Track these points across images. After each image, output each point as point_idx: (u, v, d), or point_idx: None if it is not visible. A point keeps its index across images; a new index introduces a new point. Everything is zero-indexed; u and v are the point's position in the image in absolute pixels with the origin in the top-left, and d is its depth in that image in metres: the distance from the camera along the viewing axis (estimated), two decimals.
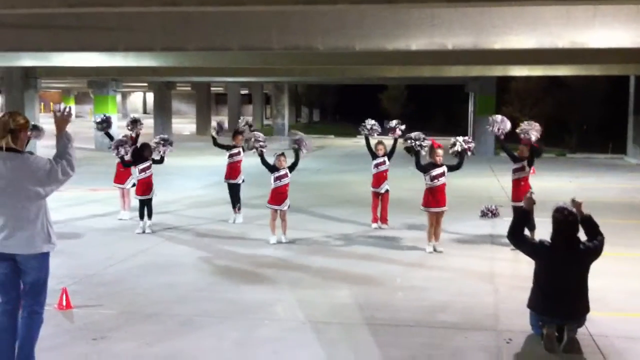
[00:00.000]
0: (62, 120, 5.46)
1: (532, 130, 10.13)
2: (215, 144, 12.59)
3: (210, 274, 8.89)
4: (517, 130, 10.26)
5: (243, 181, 12.60)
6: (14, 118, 5.23)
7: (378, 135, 12.11)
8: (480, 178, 19.58)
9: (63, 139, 5.37)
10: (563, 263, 6.01)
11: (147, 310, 7.30)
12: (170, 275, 8.75)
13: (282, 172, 10.57)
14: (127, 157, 11.85)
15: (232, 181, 12.52)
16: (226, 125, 12.95)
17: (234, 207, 12.48)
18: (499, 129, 10.36)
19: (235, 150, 12.46)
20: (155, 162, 11.58)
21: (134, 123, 12.79)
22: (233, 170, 12.53)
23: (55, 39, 13.17)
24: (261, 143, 10.57)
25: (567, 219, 6.01)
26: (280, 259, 9.67)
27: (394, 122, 11.87)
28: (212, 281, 8.51)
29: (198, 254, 9.97)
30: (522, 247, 6.40)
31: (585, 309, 6.09)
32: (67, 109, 5.51)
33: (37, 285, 5.33)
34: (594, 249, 6.11)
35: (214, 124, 12.95)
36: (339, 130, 45.87)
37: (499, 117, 10.59)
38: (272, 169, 10.60)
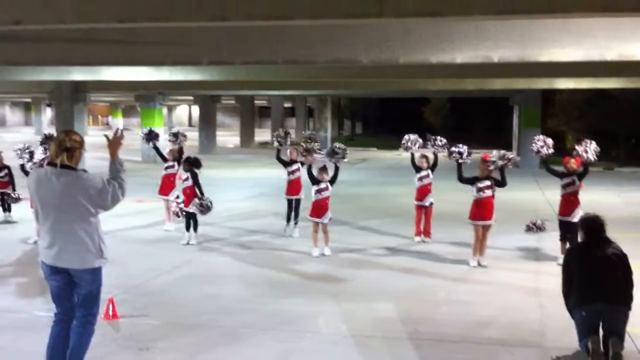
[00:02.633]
0: (114, 144, 5.56)
1: (587, 151, 10.00)
2: (278, 157, 12.45)
3: (253, 285, 8.94)
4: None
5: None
6: (70, 137, 5.35)
7: (420, 148, 12.04)
8: (525, 191, 19.32)
9: (116, 164, 5.47)
10: (594, 255, 6.15)
11: (191, 321, 7.38)
12: (214, 287, 8.83)
13: (322, 185, 10.60)
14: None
15: (294, 197, 12.43)
16: (291, 135, 12.64)
17: (289, 220, 12.41)
18: (538, 151, 10.30)
19: (294, 167, 12.36)
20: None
21: (176, 136, 12.95)
22: (294, 186, 12.46)
23: (104, 53, 13.42)
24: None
25: (595, 221, 6.28)
26: (323, 272, 9.68)
27: (433, 137, 11.81)
28: (255, 293, 8.56)
29: (241, 266, 10.04)
30: (568, 277, 6.37)
31: (627, 297, 6.06)
32: (119, 132, 5.61)
33: (90, 297, 5.45)
34: (622, 254, 6.19)
35: (279, 132, 12.58)
36: (382, 142, 45.76)
37: (540, 138, 10.50)
38: (315, 181, 10.64)
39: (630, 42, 11.28)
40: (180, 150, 12.80)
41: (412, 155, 11.98)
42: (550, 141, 10.45)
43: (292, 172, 12.34)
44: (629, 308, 6.05)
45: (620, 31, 11.04)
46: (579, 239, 6.46)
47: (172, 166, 12.75)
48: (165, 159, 12.94)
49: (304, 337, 6.89)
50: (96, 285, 5.46)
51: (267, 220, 14.00)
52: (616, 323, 6.00)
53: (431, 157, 11.94)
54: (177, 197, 12.41)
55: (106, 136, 5.65)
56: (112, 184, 5.36)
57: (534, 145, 10.53)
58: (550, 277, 9.26)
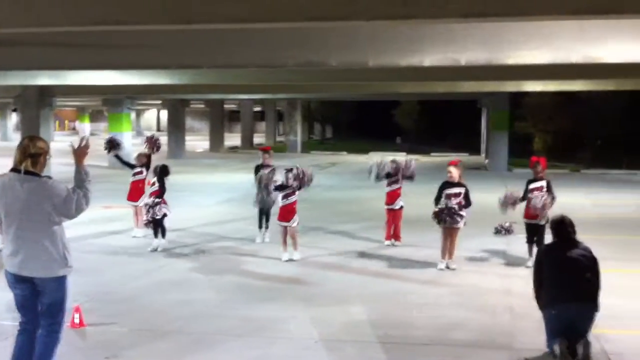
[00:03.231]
0: (80, 153, 5.47)
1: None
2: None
3: (224, 291, 8.87)
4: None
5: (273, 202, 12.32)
6: (35, 143, 5.27)
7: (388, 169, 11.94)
8: (493, 194, 19.39)
9: (81, 173, 5.38)
10: (565, 255, 6.25)
11: (161, 328, 7.29)
12: (184, 293, 8.74)
13: (289, 190, 10.52)
14: None
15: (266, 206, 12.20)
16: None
17: (261, 226, 12.22)
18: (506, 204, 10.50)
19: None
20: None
21: (150, 142, 12.71)
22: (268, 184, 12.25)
23: (71, 58, 13.25)
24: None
25: (564, 222, 6.40)
26: (294, 276, 9.64)
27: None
28: (226, 299, 8.49)
29: (212, 272, 9.96)
30: (539, 276, 6.43)
31: (595, 297, 6.14)
32: (86, 141, 5.52)
33: (55, 306, 5.35)
34: (592, 255, 6.29)
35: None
36: (352, 146, 45.85)
37: (507, 195, 10.54)
38: (280, 188, 10.59)
39: (595, 45, 11.43)
40: (149, 156, 12.66)
41: (378, 177, 12.00)
42: (516, 195, 10.47)
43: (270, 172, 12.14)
44: (597, 308, 6.12)
45: (585, 34, 11.18)
46: (551, 240, 6.53)
47: (140, 172, 12.61)
48: (131, 166, 12.78)
49: (276, 342, 6.85)
50: (61, 294, 5.36)
51: (237, 225, 13.91)
52: (584, 322, 6.08)
53: (401, 161, 11.99)
54: (146, 205, 12.15)
55: (72, 145, 5.55)
56: (76, 192, 5.28)
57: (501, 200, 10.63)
58: (519, 280, 9.33)
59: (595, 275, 6.20)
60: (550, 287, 6.20)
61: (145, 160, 12.55)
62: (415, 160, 10.56)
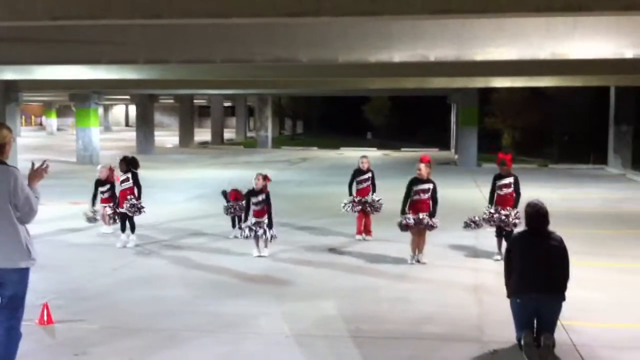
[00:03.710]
0: (36, 175, 5.41)
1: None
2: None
3: (195, 287, 8.83)
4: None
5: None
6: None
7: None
8: (463, 189, 19.66)
9: (33, 191, 5.32)
10: (534, 245, 6.34)
11: (131, 325, 7.24)
12: (154, 290, 8.69)
13: (260, 198, 10.45)
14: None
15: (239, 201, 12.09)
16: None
17: (234, 225, 12.04)
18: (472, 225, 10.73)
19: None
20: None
21: (126, 162, 11.71)
22: (238, 192, 12.11)
23: (38, 52, 13.09)
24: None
25: (538, 212, 6.39)
26: (264, 272, 9.63)
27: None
28: (197, 295, 8.45)
29: (181, 268, 9.91)
30: (509, 265, 6.54)
31: (562, 288, 6.22)
32: (45, 165, 5.47)
33: (16, 300, 5.27)
34: (561, 246, 6.34)
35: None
36: (323, 142, 45.92)
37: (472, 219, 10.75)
38: (250, 194, 10.56)
39: (562, 42, 11.60)
40: (129, 163, 11.99)
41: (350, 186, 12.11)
42: (478, 221, 10.63)
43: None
44: (563, 298, 6.22)
45: (552, 31, 11.34)
46: (523, 227, 6.60)
47: (127, 179, 11.62)
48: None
49: (247, 338, 6.84)
50: (22, 287, 5.28)
51: (206, 221, 13.86)
52: (549, 313, 6.17)
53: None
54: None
55: (32, 164, 5.49)
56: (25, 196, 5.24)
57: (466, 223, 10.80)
58: (488, 274, 9.44)
59: (564, 266, 6.29)
60: (517, 276, 6.30)
61: (125, 167, 11.55)
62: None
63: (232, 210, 11.91)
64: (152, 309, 7.80)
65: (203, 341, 6.72)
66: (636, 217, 15.09)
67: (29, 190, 5.24)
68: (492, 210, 10.37)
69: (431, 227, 10.14)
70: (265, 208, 10.43)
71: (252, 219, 10.48)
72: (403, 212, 10.14)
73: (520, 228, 6.77)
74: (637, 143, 27.81)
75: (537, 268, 6.20)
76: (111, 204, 11.90)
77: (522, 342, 6.10)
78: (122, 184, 11.37)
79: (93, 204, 12.31)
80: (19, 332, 5.36)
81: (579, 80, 21.57)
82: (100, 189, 12.26)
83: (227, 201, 11.99)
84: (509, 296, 6.42)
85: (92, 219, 12.31)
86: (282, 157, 33.50)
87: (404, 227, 10.13)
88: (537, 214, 6.40)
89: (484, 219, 10.52)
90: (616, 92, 28.27)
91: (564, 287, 6.26)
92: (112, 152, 30.65)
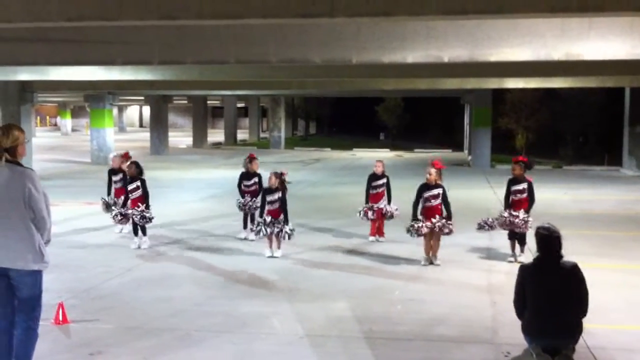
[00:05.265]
0: None
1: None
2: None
3: (207, 287, 8.86)
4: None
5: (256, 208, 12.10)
6: (8, 134, 5.18)
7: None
8: (476, 190, 19.61)
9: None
10: (549, 281, 5.74)
11: (145, 324, 7.27)
12: (167, 290, 8.72)
13: (275, 197, 10.45)
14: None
15: (249, 202, 11.92)
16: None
17: (245, 226, 12.05)
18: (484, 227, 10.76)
19: (255, 180, 11.96)
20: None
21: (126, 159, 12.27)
22: (251, 193, 11.99)
23: (53, 53, 13.18)
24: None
25: (552, 235, 5.80)
26: (277, 272, 9.65)
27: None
28: (209, 295, 8.48)
29: (195, 268, 9.94)
30: (520, 293, 5.96)
31: (578, 328, 5.73)
32: None
33: (31, 301, 5.31)
34: (577, 274, 5.75)
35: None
36: (336, 142, 45.96)
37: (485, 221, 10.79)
38: (265, 192, 10.60)
39: (576, 42, 11.55)
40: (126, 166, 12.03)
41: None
42: (491, 223, 10.68)
43: (251, 184, 11.99)
44: (577, 341, 5.79)
45: (566, 31, 11.30)
46: (535, 253, 5.93)
47: (137, 188, 11.39)
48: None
49: (259, 338, 6.86)
50: (37, 289, 5.32)
51: (219, 221, 13.90)
52: (564, 347, 5.71)
53: (383, 156, 12.02)
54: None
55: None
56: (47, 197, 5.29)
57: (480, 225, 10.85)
58: (501, 275, 9.42)
59: (580, 299, 5.73)
60: (531, 316, 5.77)
61: (135, 171, 11.35)
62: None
63: (247, 208, 11.86)
64: (166, 309, 7.83)
65: (216, 341, 6.74)
66: None
67: (45, 201, 5.26)
68: (506, 215, 10.33)
69: (448, 232, 10.11)
70: (280, 207, 10.43)
71: (267, 217, 10.47)
72: (415, 218, 10.12)
73: (532, 231, 6.23)
74: None
75: (552, 309, 5.63)
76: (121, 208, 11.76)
77: (534, 354, 5.85)
78: (133, 193, 11.19)
79: (109, 193, 12.60)
80: (36, 332, 5.41)
81: (594, 81, 21.46)
82: (114, 178, 12.42)
83: (242, 196, 11.97)
84: (522, 331, 5.88)
85: (109, 207, 12.39)
86: (295, 158, 33.53)
87: (414, 234, 10.11)
88: (551, 239, 5.77)
89: (497, 221, 10.49)
90: (631, 93, 28.06)
91: (580, 329, 5.71)
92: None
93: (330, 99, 56.35)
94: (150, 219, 11.22)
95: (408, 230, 10.21)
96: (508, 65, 14.58)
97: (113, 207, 12.18)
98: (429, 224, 10.00)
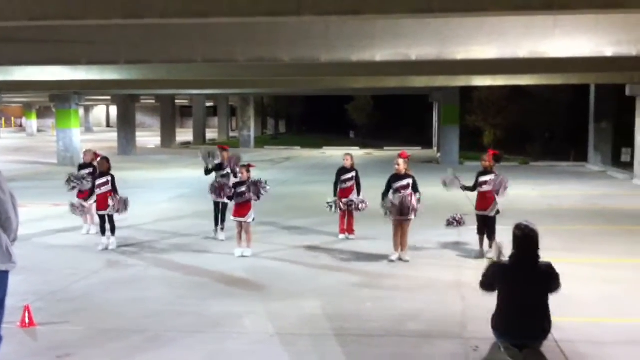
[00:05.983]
0: None
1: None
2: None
3: (178, 288, 8.80)
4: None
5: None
6: None
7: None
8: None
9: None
10: (524, 281, 5.63)
11: (114, 326, 7.20)
12: (137, 291, 8.65)
13: (243, 189, 10.47)
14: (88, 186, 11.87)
15: (220, 200, 11.78)
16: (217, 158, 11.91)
17: (217, 224, 12.00)
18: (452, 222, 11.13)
19: (226, 172, 11.82)
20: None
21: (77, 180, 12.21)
22: (222, 189, 11.97)
23: (17, 53, 12.99)
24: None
25: (529, 235, 5.65)
26: (248, 272, 9.62)
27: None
28: (180, 295, 8.43)
29: (164, 268, 9.87)
30: (488, 288, 5.89)
31: (546, 330, 5.66)
32: None
33: None
34: (553, 273, 5.67)
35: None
36: (306, 141, 45.94)
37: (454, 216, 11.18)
38: (235, 185, 10.60)
39: (542, 40, 11.70)
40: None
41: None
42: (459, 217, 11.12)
43: (222, 177, 11.91)
44: (546, 337, 5.72)
45: (531, 29, 11.44)
46: (511, 251, 5.73)
47: (107, 182, 11.29)
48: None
49: (231, 338, 6.84)
50: (2, 291, 5.24)
51: (189, 221, 13.82)
52: (534, 354, 5.67)
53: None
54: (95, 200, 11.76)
55: None
56: (12, 203, 5.22)
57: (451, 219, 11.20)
58: (470, 271, 9.49)
59: (549, 297, 5.60)
60: (502, 313, 5.67)
61: (106, 166, 11.36)
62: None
63: (219, 192, 11.51)
64: (136, 310, 7.76)
65: (187, 341, 6.70)
66: (616, 213, 15.25)
67: (12, 201, 5.18)
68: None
69: (417, 204, 10.13)
70: (248, 202, 10.43)
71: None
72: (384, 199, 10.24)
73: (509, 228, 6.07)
74: (616, 140, 28.07)
75: (526, 311, 5.53)
76: (88, 200, 11.87)
77: (502, 348, 5.85)
78: (101, 188, 11.07)
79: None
80: (1, 334, 5.31)
81: (559, 78, 21.75)
82: (82, 172, 12.24)
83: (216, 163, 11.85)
84: (492, 326, 5.76)
85: (76, 208, 12.28)
86: (264, 157, 33.44)
87: (388, 209, 10.15)
88: (528, 238, 5.59)
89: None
90: (596, 90, 28.52)
91: (550, 327, 5.62)
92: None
93: (300, 97, 56.32)
94: (126, 204, 11.16)
95: (383, 206, 10.24)
96: (475, 63, 14.70)
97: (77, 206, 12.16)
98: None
